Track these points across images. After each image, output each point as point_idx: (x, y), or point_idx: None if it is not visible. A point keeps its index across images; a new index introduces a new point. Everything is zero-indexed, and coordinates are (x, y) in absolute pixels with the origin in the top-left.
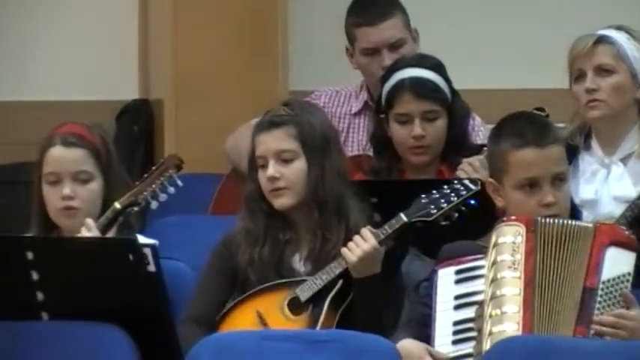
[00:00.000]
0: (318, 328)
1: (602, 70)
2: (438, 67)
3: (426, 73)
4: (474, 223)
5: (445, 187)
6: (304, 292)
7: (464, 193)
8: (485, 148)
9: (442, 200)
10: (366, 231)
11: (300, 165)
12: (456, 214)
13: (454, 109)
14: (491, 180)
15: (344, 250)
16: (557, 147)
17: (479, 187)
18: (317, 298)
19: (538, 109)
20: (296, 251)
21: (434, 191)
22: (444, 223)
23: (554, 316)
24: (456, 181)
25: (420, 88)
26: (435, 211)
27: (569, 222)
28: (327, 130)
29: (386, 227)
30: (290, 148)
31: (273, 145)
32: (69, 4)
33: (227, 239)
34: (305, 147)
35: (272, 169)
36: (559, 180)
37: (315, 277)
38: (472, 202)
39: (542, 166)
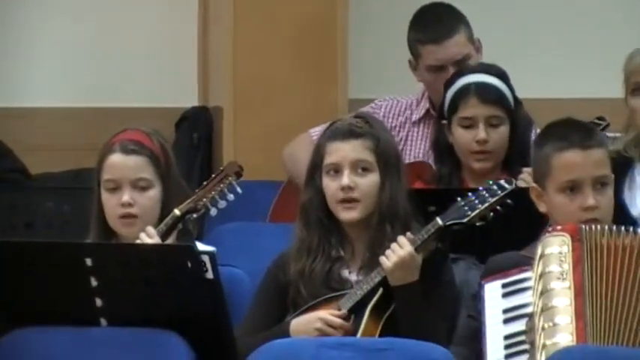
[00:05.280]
0: (358, 337)
1: None
2: (503, 75)
3: (491, 79)
4: (528, 230)
5: (480, 188)
6: (346, 303)
7: (498, 192)
8: None
9: (477, 201)
10: (402, 238)
11: (374, 178)
12: (492, 214)
13: (517, 118)
14: (534, 185)
15: (381, 257)
16: (601, 150)
17: (514, 186)
18: (359, 308)
19: (599, 118)
20: (347, 267)
21: (469, 194)
22: (479, 223)
23: (613, 326)
24: (491, 182)
25: (486, 92)
26: (470, 212)
27: (615, 228)
28: (397, 149)
29: (422, 233)
30: (368, 160)
31: (352, 154)
32: (129, 10)
33: (279, 258)
34: (380, 161)
35: (347, 178)
36: (601, 184)
37: (356, 288)
38: (508, 201)
39: (584, 169)
